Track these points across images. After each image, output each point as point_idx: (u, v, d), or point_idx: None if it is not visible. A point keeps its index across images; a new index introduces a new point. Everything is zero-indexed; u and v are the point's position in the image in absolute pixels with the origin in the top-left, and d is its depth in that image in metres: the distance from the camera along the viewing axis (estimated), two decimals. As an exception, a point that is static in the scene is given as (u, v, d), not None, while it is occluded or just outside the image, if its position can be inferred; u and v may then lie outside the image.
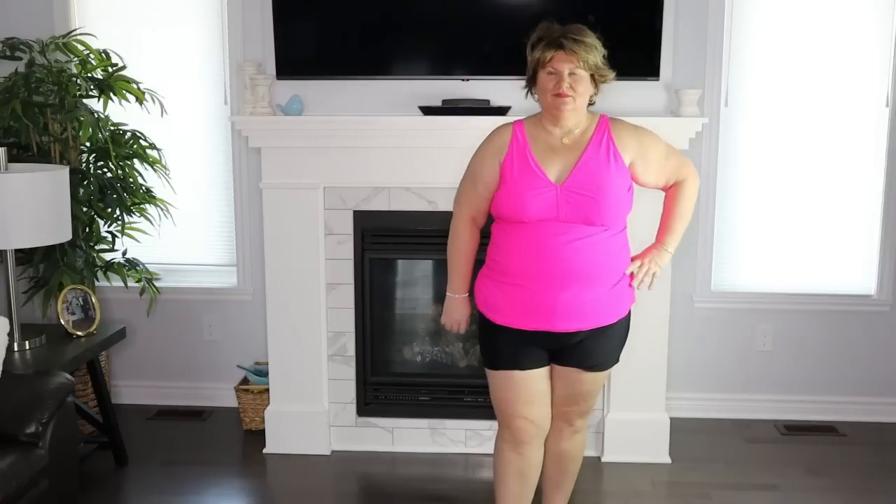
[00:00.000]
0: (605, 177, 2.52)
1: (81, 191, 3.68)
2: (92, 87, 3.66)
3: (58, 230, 3.25)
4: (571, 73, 2.49)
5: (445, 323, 2.83)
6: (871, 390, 4.13)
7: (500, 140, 2.61)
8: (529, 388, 2.68)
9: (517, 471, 2.79)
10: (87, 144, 3.75)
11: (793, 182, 4.01)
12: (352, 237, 3.66)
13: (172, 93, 3.95)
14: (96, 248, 3.83)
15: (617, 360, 2.76)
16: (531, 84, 2.60)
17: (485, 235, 2.75)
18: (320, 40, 3.65)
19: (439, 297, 3.93)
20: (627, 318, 2.72)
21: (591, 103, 2.61)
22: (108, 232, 3.88)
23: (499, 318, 2.64)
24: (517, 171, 2.55)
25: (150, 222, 3.91)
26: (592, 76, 2.52)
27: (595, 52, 2.50)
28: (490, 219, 2.71)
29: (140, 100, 3.76)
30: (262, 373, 3.96)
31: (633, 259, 2.69)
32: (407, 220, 3.64)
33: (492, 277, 2.66)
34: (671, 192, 2.74)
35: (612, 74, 2.57)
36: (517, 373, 2.66)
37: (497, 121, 3.04)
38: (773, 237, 4.06)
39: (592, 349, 2.65)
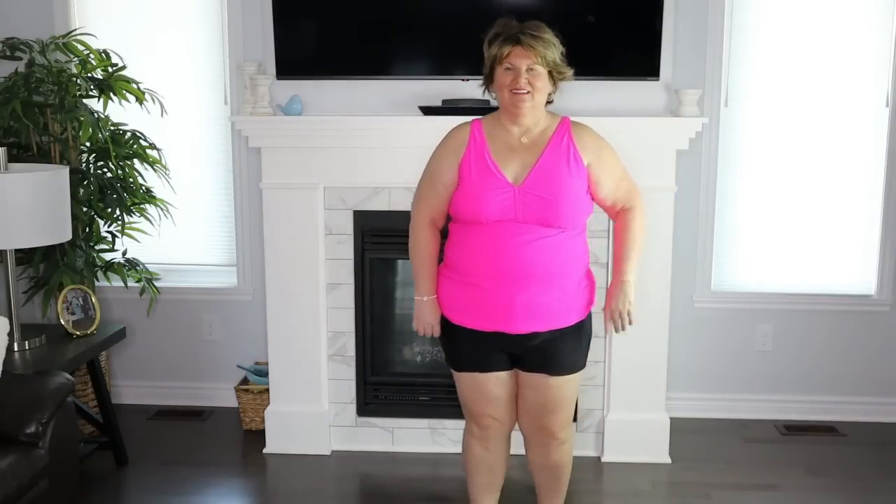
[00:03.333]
0: (563, 178, 2.50)
1: (81, 191, 3.68)
2: (92, 87, 3.66)
3: (58, 230, 3.25)
4: (529, 69, 2.46)
5: (417, 328, 2.75)
6: (871, 390, 4.13)
7: (457, 140, 2.59)
8: (493, 390, 2.70)
9: (486, 465, 2.84)
10: (87, 144, 3.75)
11: (793, 182, 4.01)
12: (352, 237, 3.66)
13: (172, 93, 3.95)
14: (96, 248, 3.83)
15: (583, 366, 2.72)
16: (489, 81, 2.58)
17: (443, 235, 2.72)
18: (320, 40, 3.65)
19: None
20: (588, 322, 2.69)
21: (549, 101, 2.58)
22: (108, 232, 3.88)
23: (456, 317, 2.64)
24: (475, 172, 2.52)
25: (150, 222, 3.91)
26: (550, 73, 2.50)
27: (553, 48, 2.48)
28: (448, 218, 2.69)
29: (140, 100, 3.76)
30: (262, 373, 3.96)
31: (603, 310, 2.68)
32: (407, 220, 3.60)
33: (450, 277, 2.65)
34: (621, 219, 2.69)
35: (570, 72, 2.54)
36: (480, 374, 2.67)
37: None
38: (772, 237, 4.06)
39: (553, 352, 2.62)
